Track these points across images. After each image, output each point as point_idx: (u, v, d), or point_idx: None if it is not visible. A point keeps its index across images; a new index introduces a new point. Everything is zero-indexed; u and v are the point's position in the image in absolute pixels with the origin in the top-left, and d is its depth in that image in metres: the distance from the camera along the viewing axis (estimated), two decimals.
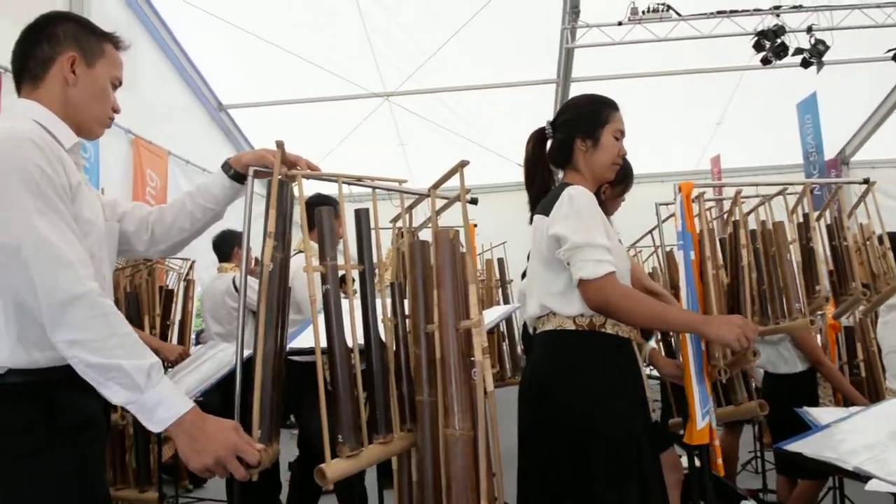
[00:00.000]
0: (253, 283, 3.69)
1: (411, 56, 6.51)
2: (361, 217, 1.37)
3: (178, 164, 6.38)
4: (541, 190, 1.85)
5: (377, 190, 1.47)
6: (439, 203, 1.48)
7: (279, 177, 1.30)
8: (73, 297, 1.04)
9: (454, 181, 1.39)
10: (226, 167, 1.42)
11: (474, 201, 1.50)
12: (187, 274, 3.71)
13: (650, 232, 3.61)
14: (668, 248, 2.89)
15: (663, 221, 2.52)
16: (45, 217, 1.08)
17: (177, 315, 3.60)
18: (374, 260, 1.39)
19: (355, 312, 1.34)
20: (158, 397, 1.07)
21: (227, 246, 3.90)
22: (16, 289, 1.07)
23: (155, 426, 1.09)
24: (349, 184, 1.37)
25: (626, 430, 1.61)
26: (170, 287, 3.68)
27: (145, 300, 2.95)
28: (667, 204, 2.30)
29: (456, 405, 1.29)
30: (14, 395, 1.11)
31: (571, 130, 1.79)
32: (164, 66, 6.32)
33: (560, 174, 1.86)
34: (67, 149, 1.23)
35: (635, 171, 2.31)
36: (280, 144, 1.30)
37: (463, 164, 1.31)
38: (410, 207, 1.55)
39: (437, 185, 1.45)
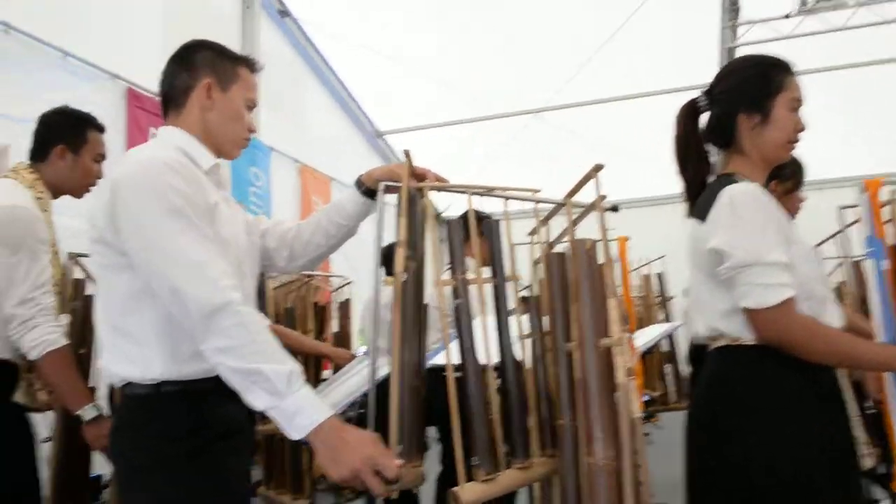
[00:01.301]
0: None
1: (557, 70, 6.40)
2: (493, 229, 1.31)
3: (340, 190, 6.75)
4: (695, 178, 1.51)
5: (516, 205, 1.40)
6: (575, 213, 1.38)
7: (409, 189, 1.27)
8: (216, 308, 1.08)
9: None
10: (358, 184, 1.44)
11: (615, 209, 1.38)
12: (341, 291, 3.85)
13: (832, 237, 3.19)
14: (855, 259, 2.54)
15: (848, 226, 2.20)
16: (186, 235, 1.13)
17: (331, 331, 3.75)
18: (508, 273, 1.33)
19: (489, 329, 1.27)
20: (298, 404, 1.08)
21: (388, 260, 3.98)
22: (165, 305, 1.14)
23: (294, 433, 1.09)
24: (479, 195, 1.32)
25: (827, 480, 1.27)
26: (323, 304, 3.84)
27: (300, 317, 3.09)
28: (851, 207, 2.01)
29: (598, 431, 1.18)
30: (168, 404, 1.18)
31: (733, 102, 1.44)
32: (326, 98, 6.75)
33: (719, 156, 1.54)
34: (206, 170, 1.29)
35: (814, 176, 2.01)
36: (408, 154, 1.28)
37: (598, 167, 1.21)
38: (547, 218, 1.46)
39: (572, 193, 1.36)
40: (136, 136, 4.33)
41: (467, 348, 1.23)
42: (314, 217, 1.50)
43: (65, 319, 1.80)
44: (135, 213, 1.14)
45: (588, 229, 1.50)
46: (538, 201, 1.40)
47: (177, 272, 1.10)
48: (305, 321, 3.05)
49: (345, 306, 3.78)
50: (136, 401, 1.19)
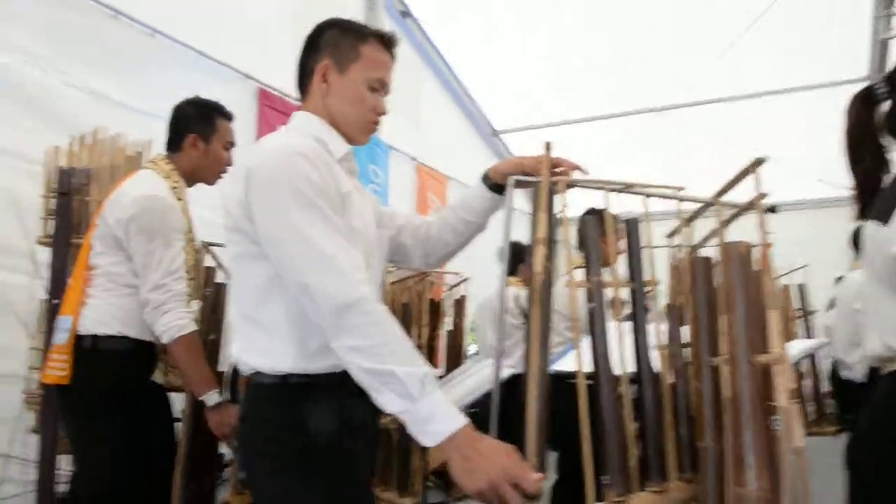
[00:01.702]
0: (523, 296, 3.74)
1: (686, 65, 6.07)
2: (632, 228, 1.20)
3: (456, 189, 6.76)
4: (870, 175, 1.34)
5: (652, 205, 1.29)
6: (726, 213, 1.25)
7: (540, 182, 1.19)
8: (348, 304, 1.05)
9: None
10: (485, 178, 1.38)
11: (773, 209, 1.23)
12: (455, 288, 3.82)
13: None
14: None
15: None
16: (317, 227, 1.10)
17: (444, 328, 3.72)
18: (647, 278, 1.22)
19: (625, 337, 1.17)
20: (431, 409, 1.03)
21: (515, 259, 3.95)
22: (296, 298, 1.12)
23: (427, 439, 1.04)
24: (618, 191, 1.22)
25: None
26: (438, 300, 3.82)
27: (416, 312, 3.08)
28: None
29: (750, 458, 1.05)
30: (295, 396, 1.16)
31: None
32: (444, 97, 6.78)
33: None
34: (339, 158, 1.25)
35: None
36: (548, 147, 1.20)
37: (758, 161, 1.07)
38: (691, 219, 1.34)
39: (723, 192, 1.23)
40: (265, 131, 4.51)
41: (601, 355, 1.14)
42: (442, 214, 1.46)
43: (196, 306, 1.87)
44: (268, 202, 1.12)
45: (735, 233, 1.36)
46: (682, 199, 1.28)
47: (308, 266, 1.08)
48: (421, 317, 3.03)
49: (460, 304, 3.74)
50: (264, 391, 1.19)
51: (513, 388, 1.24)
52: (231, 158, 2.02)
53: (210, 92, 4.10)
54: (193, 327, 1.77)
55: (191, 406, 2.08)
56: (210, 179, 2.02)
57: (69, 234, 1.99)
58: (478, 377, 2.16)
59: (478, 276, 4.35)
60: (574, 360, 1.19)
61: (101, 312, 1.77)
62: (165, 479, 1.89)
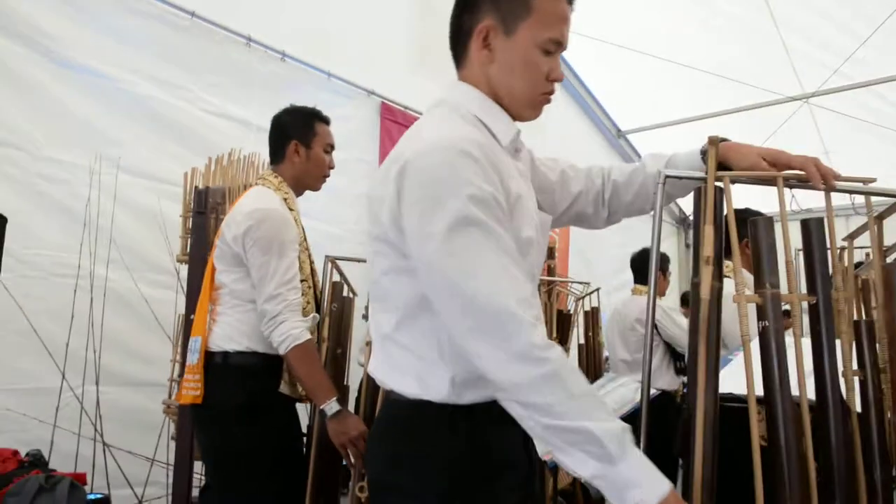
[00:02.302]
0: (664, 308, 3.51)
1: (836, 48, 5.51)
2: (812, 230, 1.02)
3: None
4: None
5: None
6: None
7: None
8: (520, 354, 0.88)
9: None
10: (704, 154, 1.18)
11: None
12: (584, 298, 3.64)
13: None
14: None
15: None
16: (482, 253, 0.91)
17: (574, 340, 3.56)
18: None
19: (805, 358, 1.00)
20: (633, 472, 0.86)
21: (646, 266, 3.75)
22: (450, 332, 0.94)
23: None
24: (795, 186, 1.04)
25: None
26: (568, 311, 3.66)
27: (545, 323, 2.95)
28: None
29: None
30: (438, 425, 1.00)
31: None
32: (566, 98, 6.60)
33: None
34: (505, 145, 1.05)
35: None
36: (714, 142, 1.03)
37: None
38: (882, 216, 1.13)
39: None
40: (388, 146, 4.59)
41: (778, 380, 0.97)
42: (635, 180, 1.24)
43: (312, 316, 1.86)
44: (423, 216, 0.93)
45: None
46: (874, 194, 1.07)
47: (469, 304, 0.89)
48: (551, 329, 2.90)
49: (592, 315, 3.55)
50: (401, 411, 1.04)
51: (655, 409, 1.09)
52: (332, 161, 2.03)
53: (336, 109, 4.23)
54: (308, 336, 1.76)
55: (317, 419, 2.07)
56: (315, 185, 2.02)
57: (206, 251, 2.05)
58: (612, 397, 2.00)
59: (606, 285, 4.15)
60: (733, 380, 1.03)
61: (229, 329, 1.81)
62: (294, 490, 1.89)
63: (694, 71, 5.96)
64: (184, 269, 3.22)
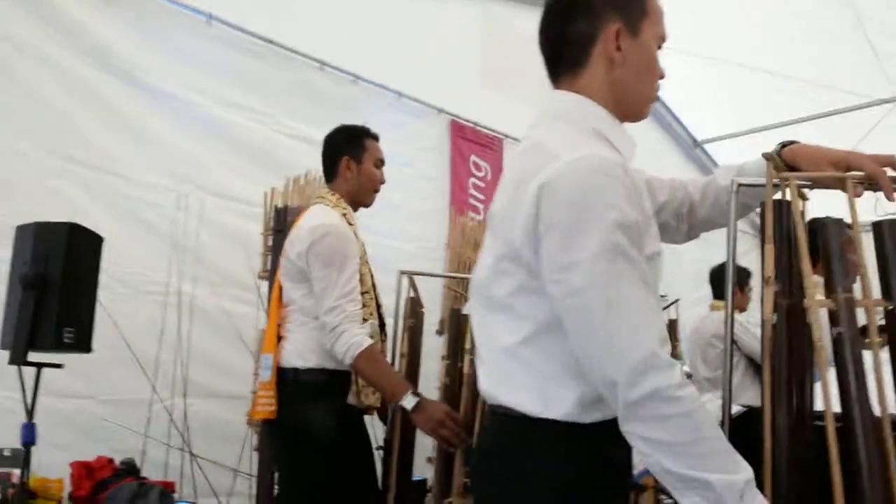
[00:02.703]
0: (742, 322, 3.38)
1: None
2: (885, 231, 0.97)
3: None
4: None
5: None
6: None
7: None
8: (652, 392, 0.86)
9: None
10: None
11: None
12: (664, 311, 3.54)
13: None
14: None
15: None
16: (623, 284, 0.88)
17: None
18: None
19: (885, 368, 0.95)
20: None
21: (723, 280, 3.62)
22: (584, 357, 0.92)
23: None
24: (871, 189, 0.99)
25: None
26: None
27: None
28: None
29: None
30: (553, 442, 0.98)
31: None
32: None
33: None
34: (629, 158, 1.02)
35: None
36: (769, 157, 0.98)
37: None
38: None
39: None
40: (458, 162, 4.65)
41: (855, 392, 0.92)
42: (709, 193, 1.22)
43: (369, 327, 1.88)
44: (566, 240, 0.90)
45: None
46: None
47: (603, 334, 0.87)
48: None
49: (670, 327, 3.45)
50: (517, 427, 1.00)
51: (741, 428, 1.05)
52: (383, 176, 2.07)
53: (408, 128, 4.38)
54: (370, 341, 1.80)
55: (393, 425, 2.09)
56: (367, 200, 2.08)
57: None
58: None
59: (685, 300, 4.03)
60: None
61: (299, 346, 1.87)
62: (366, 499, 1.93)
63: (772, 76, 5.74)
64: (264, 285, 3.37)
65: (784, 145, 1.15)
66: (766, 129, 6.37)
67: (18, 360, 1.64)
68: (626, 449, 0.94)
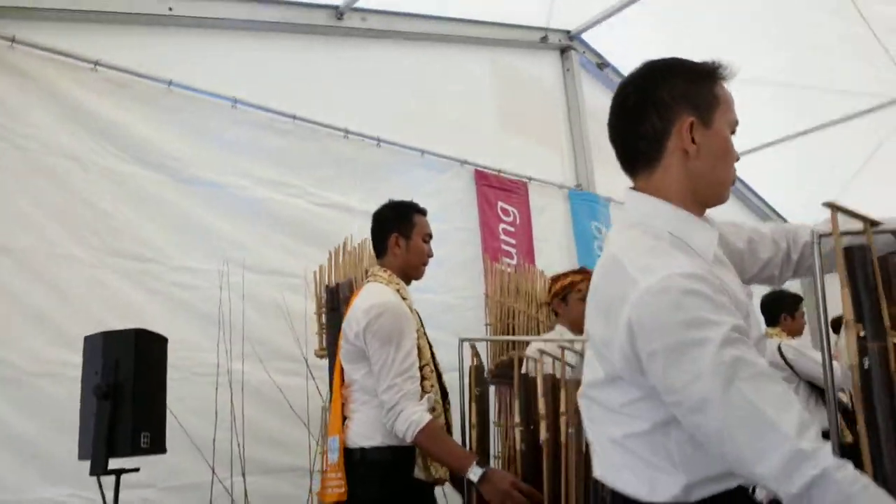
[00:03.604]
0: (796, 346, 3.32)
1: None
2: None
3: None
4: None
5: None
6: None
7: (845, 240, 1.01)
8: (808, 484, 0.85)
9: None
10: None
11: None
12: None
13: None
14: None
15: None
16: (749, 389, 0.88)
17: None
18: None
19: None
20: None
21: (776, 308, 3.63)
22: (728, 461, 0.93)
23: None
24: None
25: None
26: None
27: None
28: None
29: None
30: None
31: None
32: None
33: None
34: (709, 260, 1.03)
35: None
36: (834, 208, 1.01)
37: None
38: None
39: None
40: (486, 210, 4.69)
41: None
42: (801, 240, 1.24)
43: (426, 401, 1.89)
44: (668, 369, 0.92)
45: None
46: None
47: (743, 448, 0.88)
48: None
49: None
50: None
51: None
52: (431, 250, 2.11)
53: (432, 184, 4.45)
54: (429, 417, 1.81)
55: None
56: (416, 274, 2.11)
57: None
58: None
59: None
60: None
61: (364, 426, 1.89)
62: None
63: (784, 87, 5.74)
64: (311, 355, 3.41)
65: (832, 206, 1.17)
66: (784, 140, 6.34)
67: (99, 470, 1.68)
68: None
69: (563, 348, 2.17)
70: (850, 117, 5.95)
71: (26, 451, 2.93)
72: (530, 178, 5.06)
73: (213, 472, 3.11)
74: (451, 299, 4.15)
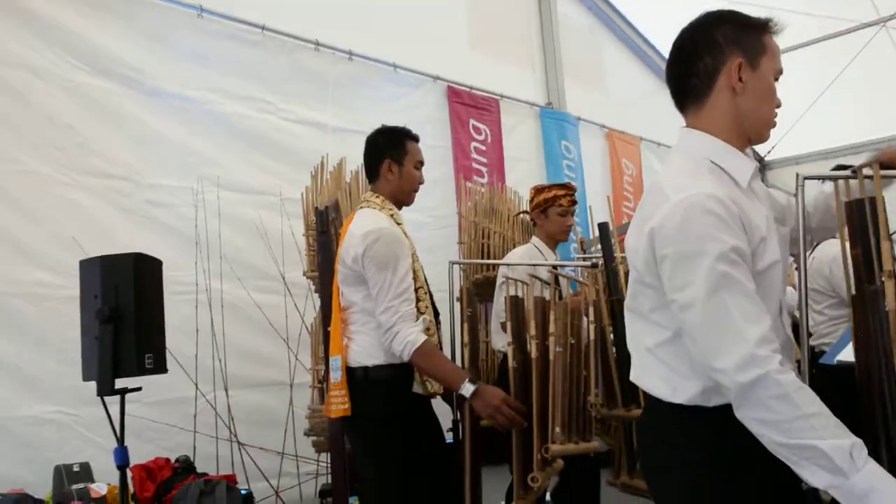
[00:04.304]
0: None
1: None
2: None
3: (649, 148, 6.46)
4: None
5: None
6: None
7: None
8: (753, 381, 1.00)
9: None
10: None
11: None
12: None
13: None
14: None
15: None
16: (725, 302, 1.03)
17: None
18: None
19: None
20: (868, 484, 0.94)
21: None
22: (701, 360, 1.09)
23: None
24: None
25: None
26: None
27: None
28: None
29: None
30: (698, 424, 1.15)
31: None
32: (628, 58, 6.49)
33: None
34: (744, 187, 1.15)
35: None
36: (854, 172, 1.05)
37: None
38: None
39: None
40: (458, 128, 4.66)
41: None
42: (821, 203, 1.40)
43: (422, 322, 1.95)
44: (676, 270, 1.07)
45: None
46: None
47: (712, 342, 1.04)
48: None
49: None
50: (660, 408, 1.19)
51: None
52: (422, 177, 2.12)
53: (405, 99, 4.37)
54: (424, 338, 1.87)
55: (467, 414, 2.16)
56: (407, 200, 2.12)
57: (332, 264, 2.19)
58: None
59: None
60: None
61: (366, 346, 1.94)
62: (443, 483, 2.03)
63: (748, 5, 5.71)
64: (289, 274, 3.43)
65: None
66: None
67: (106, 390, 1.70)
68: (739, 428, 1.06)
69: (553, 274, 2.25)
70: (816, 41, 6.02)
71: (8, 371, 2.94)
72: (502, 96, 5.01)
73: (197, 387, 3.17)
74: (423, 217, 4.17)
